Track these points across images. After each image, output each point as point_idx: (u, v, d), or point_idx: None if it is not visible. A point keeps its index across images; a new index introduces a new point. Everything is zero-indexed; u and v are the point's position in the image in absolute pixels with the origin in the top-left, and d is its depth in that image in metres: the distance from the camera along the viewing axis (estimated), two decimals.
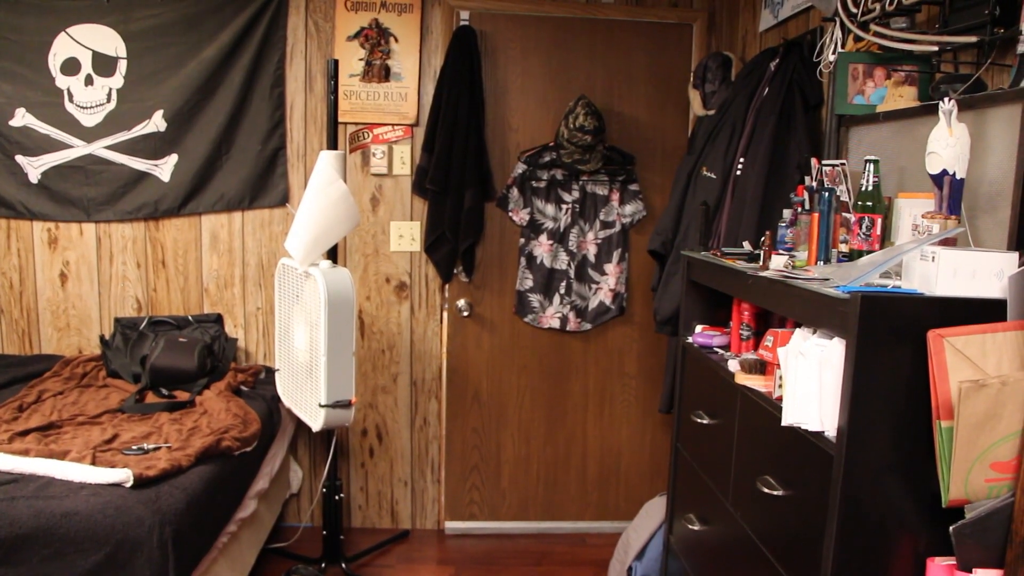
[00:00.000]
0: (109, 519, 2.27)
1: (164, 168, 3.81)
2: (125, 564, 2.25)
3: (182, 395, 3.34)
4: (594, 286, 3.98)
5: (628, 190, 3.91)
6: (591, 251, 3.96)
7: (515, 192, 3.89)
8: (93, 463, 2.52)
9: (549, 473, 4.13)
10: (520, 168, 3.87)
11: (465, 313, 3.94)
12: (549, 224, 3.92)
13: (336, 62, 3.38)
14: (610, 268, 3.96)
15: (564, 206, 3.91)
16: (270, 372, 3.71)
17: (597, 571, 3.61)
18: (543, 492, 4.14)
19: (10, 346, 3.91)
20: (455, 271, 3.91)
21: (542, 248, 3.92)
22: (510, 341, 4.03)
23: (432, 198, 3.76)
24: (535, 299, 3.95)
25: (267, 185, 3.87)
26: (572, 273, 3.94)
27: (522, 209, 3.91)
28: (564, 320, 3.96)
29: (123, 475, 2.39)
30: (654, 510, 2.93)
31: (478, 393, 4.04)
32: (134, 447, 2.70)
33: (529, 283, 3.94)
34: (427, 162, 3.73)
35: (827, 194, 2.12)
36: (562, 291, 3.95)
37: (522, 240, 3.93)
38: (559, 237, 3.92)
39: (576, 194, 3.90)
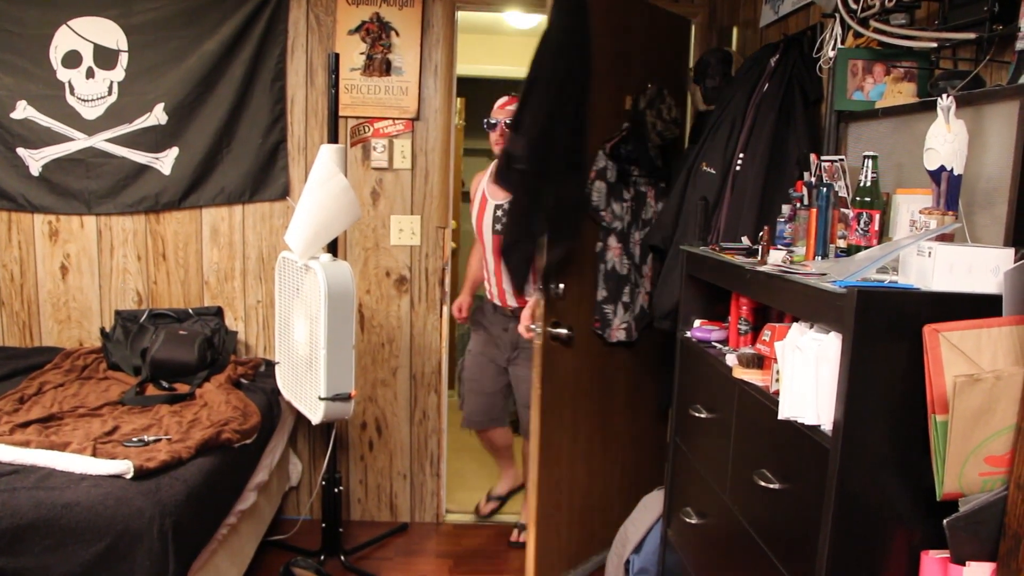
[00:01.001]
0: (110, 510, 2.28)
1: (165, 161, 3.82)
2: (125, 555, 2.27)
3: (182, 388, 3.35)
4: (638, 290, 3.54)
5: (660, 187, 3.59)
6: (637, 252, 3.52)
7: (603, 188, 3.33)
8: (94, 455, 2.53)
9: (607, 500, 3.61)
10: (602, 161, 3.32)
11: (566, 337, 3.17)
12: (618, 224, 3.42)
13: (337, 56, 3.38)
14: (646, 270, 3.57)
15: (625, 204, 3.45)
16: (270, 365, 3.72)
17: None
18: (600, 520, 3.57)
19: (11, 338, 3.93)
20: (536, 286, 3.19)
21: (612, 252, 3.40)
22: (587, 361, 3.39)
23: (521, 186, 3.12)
24: (609, 310, 3.41)
25: (268, 179, 3.88)
26: (633, 277, 3.49)
27: (605, 208, 3.35)
28: (629, 330, 3.47)
29: (123, 467, 2.40)
30: (652, 503, 2.94)
31: (562, 423, 3.30)
32: (134, 439, 2.72)
33: (604, 292, 3.40)
34: (519, 142, 3.08)
35: (825, 189, 2.13)
36: (626, 299, 3.46)
37: (599, 244, 3.37)
38: (624, 238, 3.45)
39: (632, 191, 3.48)
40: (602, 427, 3.51)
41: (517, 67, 6.05)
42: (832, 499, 1.55)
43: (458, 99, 4.14)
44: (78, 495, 2.32)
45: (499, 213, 3.55)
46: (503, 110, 3.53)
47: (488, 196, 3.61)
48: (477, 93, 5.77)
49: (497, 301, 3.68)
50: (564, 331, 3.14)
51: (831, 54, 2.58)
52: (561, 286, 3.10)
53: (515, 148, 3.04)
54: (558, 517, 3.24)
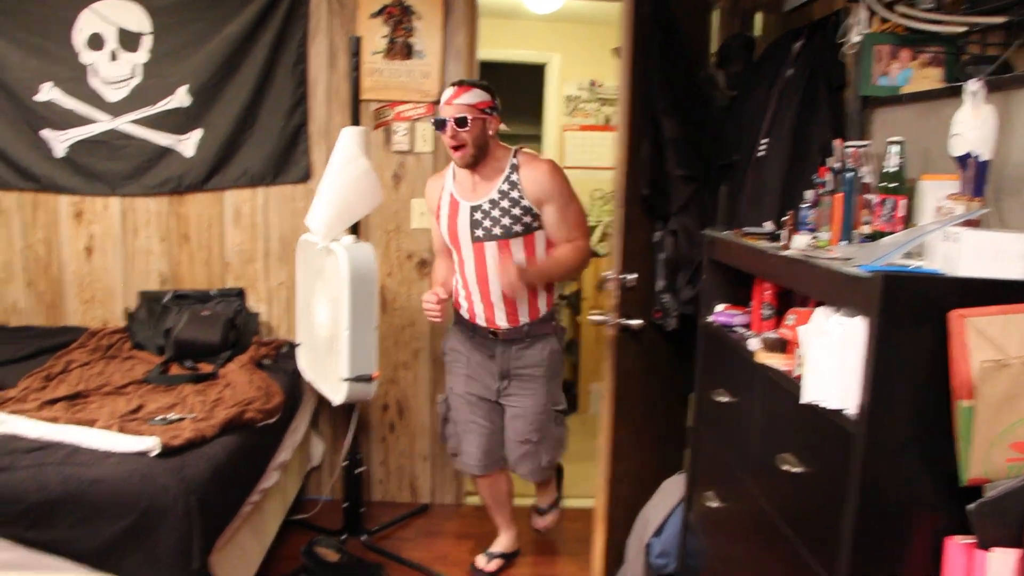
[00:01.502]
0: (136, 487, 2.32)
1: (188, 143, 3.85)
2: (151, 531, 2.30)
3: (205, 367, 3.38)
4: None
5: None
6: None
7: None
8: (120, 432, 2.56)
9: (652, 488, 3.21)
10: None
11: (638, 328, 2.96)
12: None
13: (358, 39, 3.39)
14: None
15: None
16: (292, 346, 3.74)
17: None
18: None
19: (37, 317, 3.98)
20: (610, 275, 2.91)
21: (667, 237, 3.12)
22: (645, 351, 3.13)
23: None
24: (667, 299, 3.11)
25: (290, 161, 3.90)
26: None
27: None
28: (679, 318, 3.10)
29: (151, 443, 2.44)
30: (672, 488, 2.95)
31: (625, 417, 3.10)
32: (159, 417, 2.75)
33: (662, 282, 3.12)
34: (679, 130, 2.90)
35: (850, 175, 2.12)
36: (676, 287, 3.15)
37: (658, 234, 3.11)
38: (668, 221, 3.15)
39: None
40: (651, 416, 3.37)
41: (538, 51, 6.10)
42: (855, 483, 1.56)
43: None
44: (105, 471, 2.35)
45: (477, 216, 3.09)
46: (451, 104, 2.99)
47: (459, 198, 3.15)
48: (498, 78, 5.76)
49: (481, 322, 3.21)
50: (637, 322, 2.92)
51: (856, 39, 2.56)
52: (635, 276, 2.91)
53: (670, 131, 2.91)
54: (617, 513, 3.16)
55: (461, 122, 2.94)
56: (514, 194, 3.06)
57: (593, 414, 5.61)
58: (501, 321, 3.17)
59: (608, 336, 2.92)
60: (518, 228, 3.07)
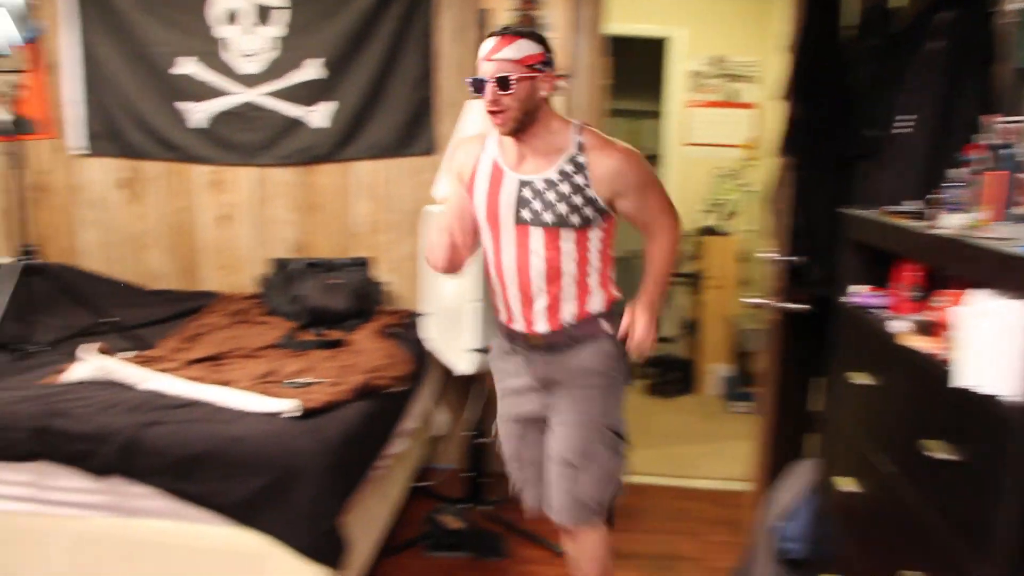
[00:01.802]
0: (274, 446, 2.41)
1: (319, 114, 3.94)
2: (288, 489, 2.38)
3: (334, 334, 3.47)
4: None
5: None
6: None
7: None
8: (260, 394, 2.66)
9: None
10: None
11: (799, 312, 2.87)
12: None
13: (486, 12, 3.39)
14: None
15: None
16: (417, 316, 3.79)
17: (734, 530, 3.58)
18: None
19: (175, 282, 4.15)
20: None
21: None
22: (791, 335, 3.05)
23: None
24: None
25: (417, 133, 3.95)
26: None
27: None
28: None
29: (292, 405, 2.52)
30: (801, 472, 2.89)
31: (782, 405, 3.19)
32: (291, 381, 2.84)
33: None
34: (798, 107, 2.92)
35: (1008, 152, 2.02)
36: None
37: None
38: None
39: None
40: (779, 400, 3.26)
41: (666, 26, 5.99)
42: (1014, 473, 1.49)
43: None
44: (245, 430, 2.46)
45: (526, 193, 2.38)
46: (492, 60, 2.27)
47: (505, 168, 2.44)
48: (623, 52, 5.68)
49: (518, 326, 2.50)
50: (800, 306, 2.75)
51: (1013, 7, 2.43)
52: (803, 258, 2.82)
53: (798, 114, 2.78)
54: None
55: (503, 83, 2.25)
56: (578, 179, 2.38)
57: (711, 395, 5.55)
58: (541, 325, 2.48)
59: (771, 320, 2.89)
60: (575, 219, 2.38)
